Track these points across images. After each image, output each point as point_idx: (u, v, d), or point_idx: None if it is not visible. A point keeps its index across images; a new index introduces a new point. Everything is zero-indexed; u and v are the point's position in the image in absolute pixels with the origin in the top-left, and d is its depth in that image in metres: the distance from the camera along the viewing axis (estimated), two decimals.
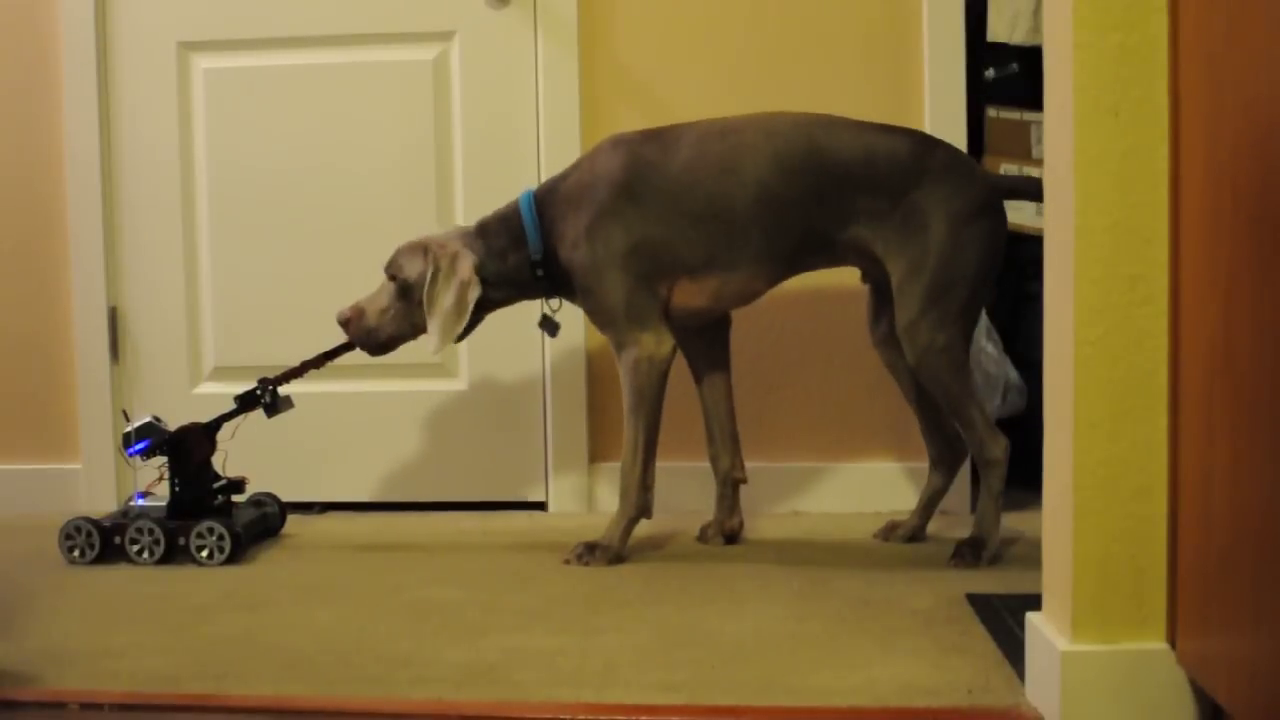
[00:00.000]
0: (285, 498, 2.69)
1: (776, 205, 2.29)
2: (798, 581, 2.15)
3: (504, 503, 2.86)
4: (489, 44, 2.85)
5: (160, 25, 2.94)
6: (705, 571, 2.24)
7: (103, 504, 2.94)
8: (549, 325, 2.50)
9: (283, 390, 2.48)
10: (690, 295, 2.35)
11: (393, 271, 2.41)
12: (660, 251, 2.31)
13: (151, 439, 2.41)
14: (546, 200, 2.39)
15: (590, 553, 2.32)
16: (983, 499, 2.29)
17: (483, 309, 2.41)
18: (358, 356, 2.91)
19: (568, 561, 2.32)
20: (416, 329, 2.41)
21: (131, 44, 2.95)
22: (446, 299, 2.34)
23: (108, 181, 2.96)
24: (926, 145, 2.32)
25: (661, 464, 2.82)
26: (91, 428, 2.96)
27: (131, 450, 2.41)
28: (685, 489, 2.72)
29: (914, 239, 2.26)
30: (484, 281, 2.36)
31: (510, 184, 2.85)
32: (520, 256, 2.38)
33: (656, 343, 2.32)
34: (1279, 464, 1.15)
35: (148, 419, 2.43)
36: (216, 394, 2.88)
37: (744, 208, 2.29)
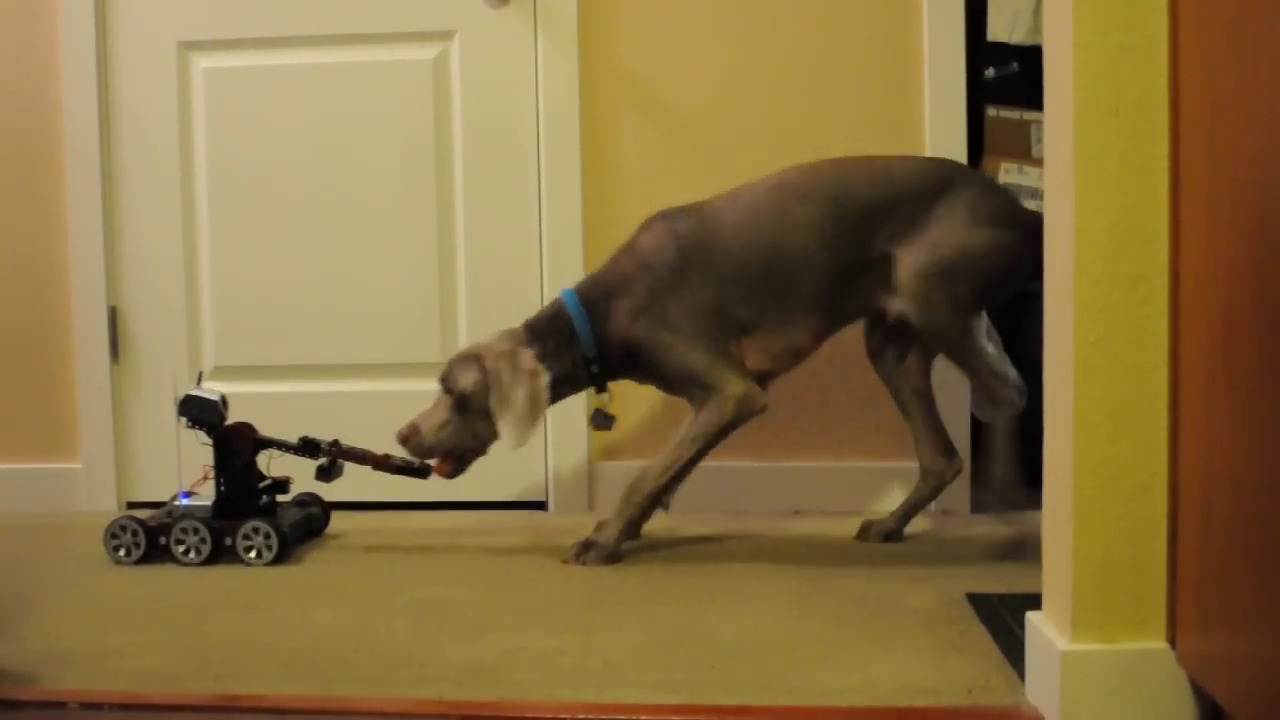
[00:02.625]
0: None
1: (813, 257, 2.32)
2: (798, 581, 2.15)
3: (504, 503, 2.86)
4: (489, 44, 2.85)
5: (160, 25, 2.94)
6: (705, 571, 2.24)
7: (103, 504, 2.94)
8: (603, 419, 2.48)
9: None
10: (750, 358, 2.36)
11: (448, 385, 2.37)
12: (717, 315, 2.32)
13: (206, 419, 2.38)
14: (592, 293, 2.37)
15: (586, 551, 2.32)
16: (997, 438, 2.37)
17: None
18: (357, 356, 2.92)
19: (566, 562, 2.32)
20: (478, 439, 2.37)
21: (131, 44, 2.95)
22: (517, 396, 2.30)
23: (108, 181, 2.96)
24: (948, 167, 2.39)
25: None
26: (91, 428, 2.96)
27: (181, 411, 2.38)
28: (685, 489, 2.72)
29: (927, 229, 2.28)
30: None
31: (510, 184, 2.85)
32: (573, 353, 2.35)
33: (750, 388, 2.32)
34: (1279, 464, 1.15)
35: (215, 398, 2.38)
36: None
37: (784, 268, 2.33)
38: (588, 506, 2.83)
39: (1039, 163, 2.77)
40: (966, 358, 2.33)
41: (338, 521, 2.67)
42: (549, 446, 2.84)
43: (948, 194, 2.31)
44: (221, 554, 2.35)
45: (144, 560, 2.36)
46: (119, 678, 1.72)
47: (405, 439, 2.38)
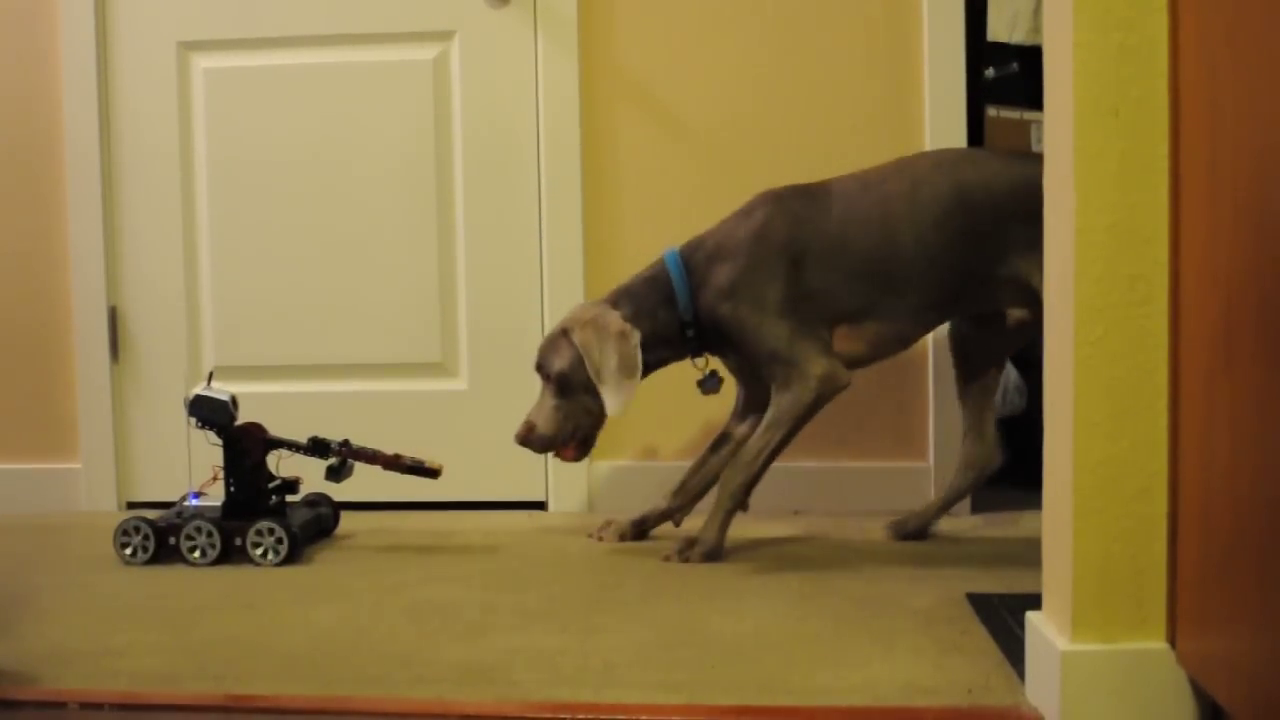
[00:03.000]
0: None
1: (933, 252, 2.28)
2: (798, 581, 2.15)
3: (504, 502, 2.86)
4: (489, 44, 2.85)
5: (160, 25, 2.94)
6: (705, 571, 2.24)
7: (103, 504, 2.94)
8: (711, 382, 2.45)
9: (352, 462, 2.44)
10: (849, 343, 2.34)
11: (545, 370, 2.36)
12: (818, 302, 2.30)
13: (216, 419, 2.37)
14: (693, 257, 2.35)
15: (690, 548, 2.31)
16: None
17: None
18: (357, 356, 2.92)
19: (668, 558, 2.30)
20: (592, 414, 2.36)
21: (131, 44, 2.95)
22: (610, 360, 2.28)
23: (108, 181, 2.96)
24: None
25: (663, 464, 2.82)
26: (91, 428, 2.96)
27: (191, 411, 2.37)
28: None
29: None
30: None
31: (510, 184, 2.85)
32: (670, 314, 2.33)
33: (833, 367, 2.29)
34: (1279, 464, 1.15)
35: (226, 398, 2.37)
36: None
37: (901, 259, 2.29)
38: (588, 506, 2.83)
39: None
40: None
41: (348, 521, 2.67)
42: None
43: None
44: (231, 554, 2.35)
45: (153, 561, 2.36)
46: (119, 678, 1.72)
47: (524, 439, 2.35)
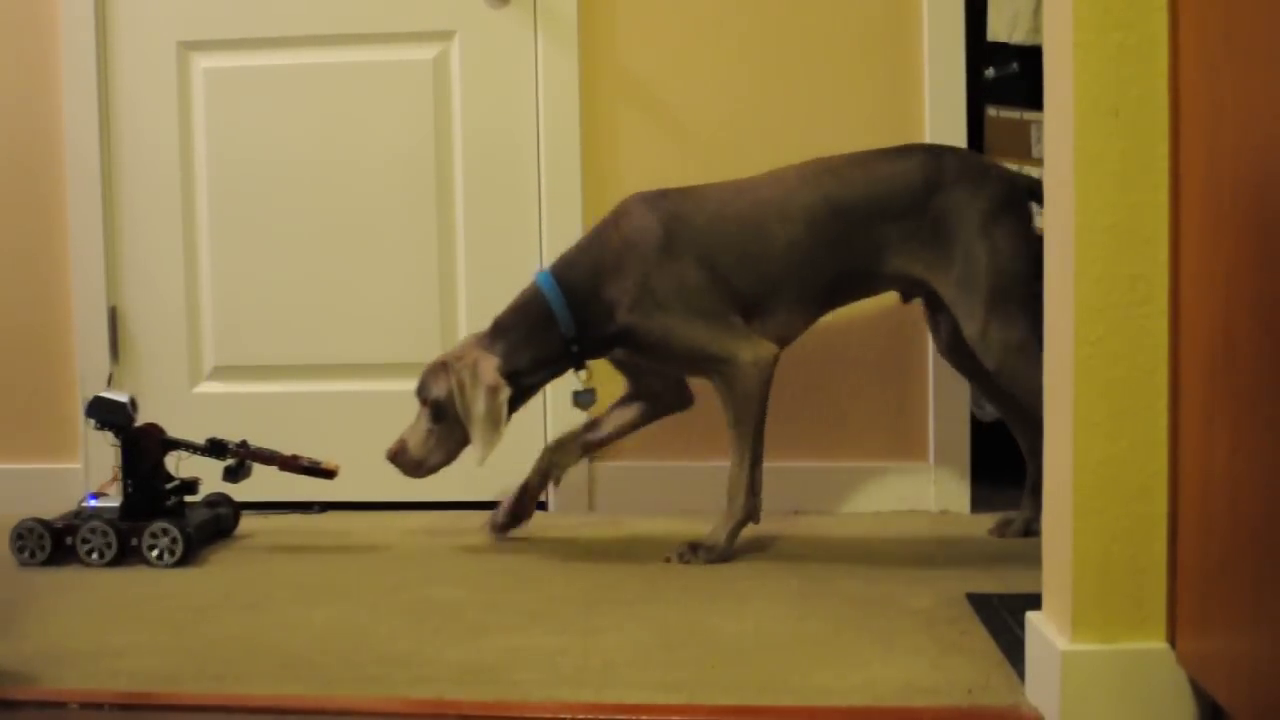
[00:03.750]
0: (284, 498, 2.68)
1: (806, 256, 2.31)
2: (798, 581, 2.15)
3: None
4: (489, 44, 2.85)
5: (160, 25, 2.94)
6: (705, 571, 2.24)
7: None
8: (586, 397, 2.46)
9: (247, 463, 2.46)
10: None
11: (423, 395, 2.37)
12: (711, 293, 2.31)
13: (112, 420, 2.40)
14: (569, 274, 2.35)
15: (694, 552, 2.30)
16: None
17: (520, 400, 2.37)
18: (357, 356, 2.92)
19: (668, 560, 2.30)
20: (462, 445, 2.37)
21: (131, 44, 2.95)
22: (478, 408, 2.29)
23: (108, 181, 2.96)
24: (934, 156, 2.34)
25: (663, 464, 2.82)
26: (92, 428, 2.95)
27: (89, 413, 2.42)
28: (686, 489, 2.72)
29: (950, 251, 2.27)
30: (516, 374, 2.32)
31: (510, 184, 2.85)
32: (551, 335, 2.33)
33: (754, 348, 2.29)
34: (1279, 464, 1.15)
35: (124, 399, 2.41)
36: (216, 394, 2.89)
37: (774, 261, 2.31)
38: (588, 506, 2.83)
39: (1039, 163, 2.77)
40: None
41: (337, 521, 2.67)
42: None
43: (941, 194, 2.29)
44: (128, 555, 2.36)
45: (50, 563, 2.38)
46: (119, 678, 1.72)
47: (394, 456, 2.38)
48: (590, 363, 2.39)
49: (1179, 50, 1.41)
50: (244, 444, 2.44)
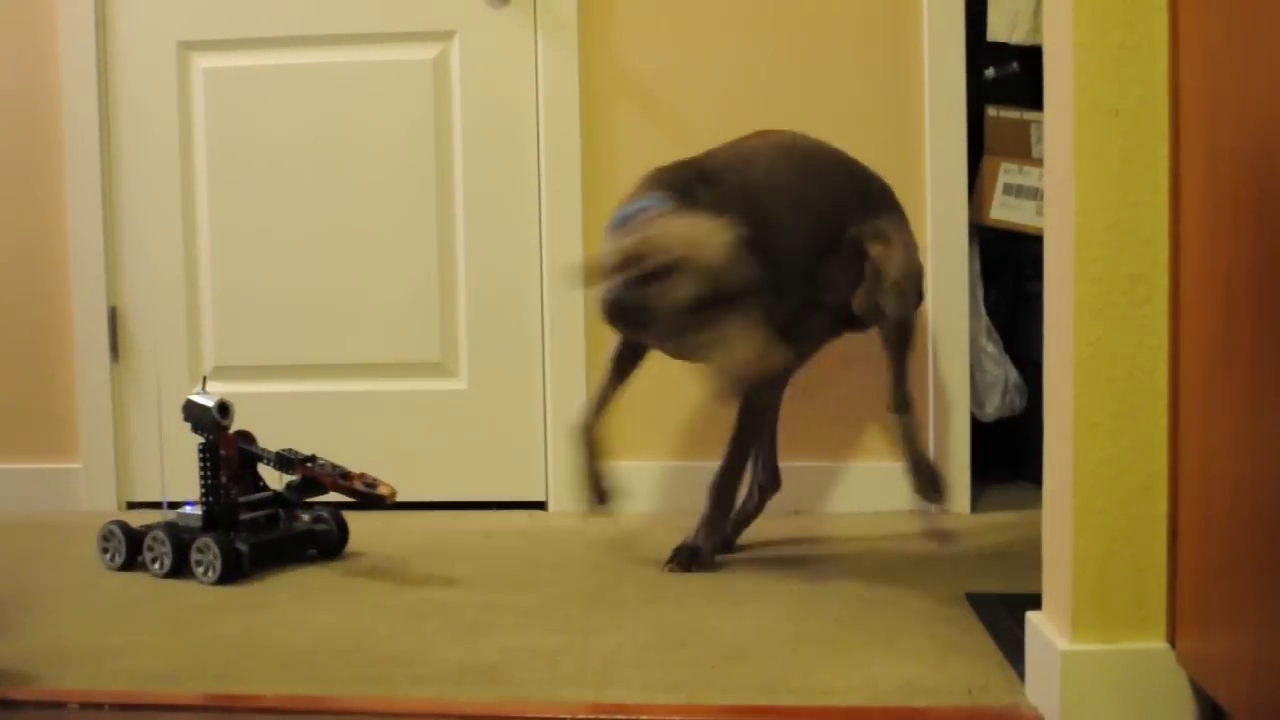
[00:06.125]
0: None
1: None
2: (798, 581, 2.15)
3: (504, 503, 2.86)
4: (489, 44, 2.85)
5: (160, 25, 2.94)
6: (705, 571, 2.24)
7: (103, 504, 2.94)
8: None
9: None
10: None
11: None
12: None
13: (198, 424, 2.31)
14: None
15: (685, 557, 2.25)
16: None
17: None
18: (357, 356, 2.92)
19: (669, 568, 2.23)
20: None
21: (131, 44, 2.95)
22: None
23: (108, 182, 2.96)
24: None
25: (664, 463, 2.82)
26: (91, 428, 2.96)
27: (184, 416, 2.33)
28: (685, 489, 2.72)
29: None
30: None
31: (510, 184, 2.85)
32: None
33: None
34: (1278, 463, 1.15)
35: (210, 403, 2.31)
36: (217, 393, 2.88)
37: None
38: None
39: (1039, 163, 2.77)
40: None
41: (353, 521, 2.66)
42: (549, 446, 2.83)
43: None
44: (186, 567, 2.25)
45: (127, 567, 2.32)
46: (119, 678, 1.72)
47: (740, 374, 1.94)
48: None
49: (1179, 50, 1.41)
50: (312, 458, 2.31)
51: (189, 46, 2.94)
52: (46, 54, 2.95)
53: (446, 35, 2.87)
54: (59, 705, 1.65)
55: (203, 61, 2.94)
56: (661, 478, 2.74)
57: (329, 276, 2.91)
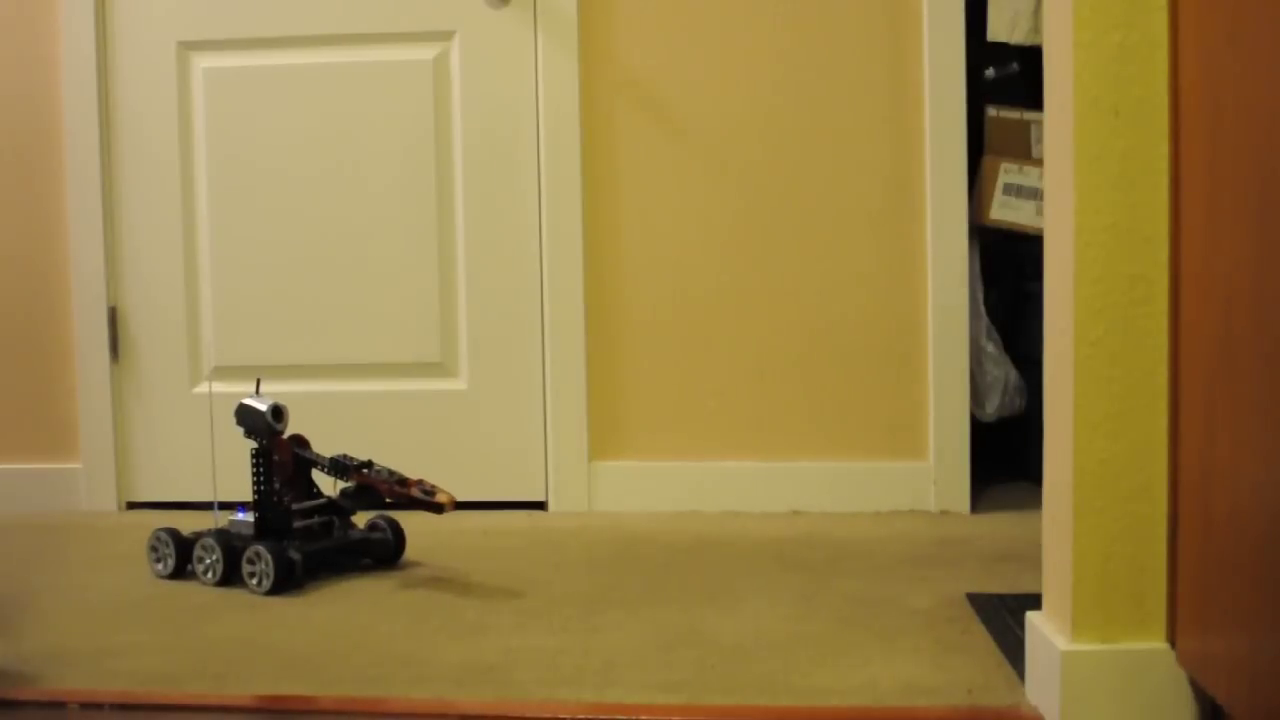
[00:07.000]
0: None
1: None
2: (798, 581, 2.15)
3: (504, 503, 2.86)
4: (489, 44, 2.85)
5: (160, 25, 2.94)
6: (705, 571, 2.24)
7: (103, 504, 2.94)
8: None
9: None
10: None
11: None
12: None
13: (251, 429, 2.24)
14: None
15: None
16: None
17: None
18: (357, 357, 2.92)
19: None
20: None
21: (131, 44, 2.95)
22: None
23: (108, 182, 2.96)
24: None
25: (663, 463, 2.82)
26: (91, 428, 2.96)
27: (236, 420, 2.26)
28: (686, 489, 2.72)
29: None
30: None
31: (510, 184, 2.85)
32: None
33: None
34: (1279, 464, 1.15)
35: (264, 407, 2.23)
36: (216, 394, 2.88)
37: None
38: (588, 506, 2.83)
39: (1039, 163, 2.77)
40: None
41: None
42: (549, 446, 2.84)
43: None
44: (236, 576, 2.20)
45: (176, 575, 2.25)
46: (119, 678, 1.72)
47: None
48: None
49: (1179, 50, 1.41)
50: (368, 464, 2.25)
51: (189, 46, 2.94)
52: (46, 54, 2.96)
53: (446, 35, 2.87)
54: (59, 705, 1.65)
55: (203, 61, 2.94)
56: (662, 478, 2.74)
57: (329, 276, 2.91)
